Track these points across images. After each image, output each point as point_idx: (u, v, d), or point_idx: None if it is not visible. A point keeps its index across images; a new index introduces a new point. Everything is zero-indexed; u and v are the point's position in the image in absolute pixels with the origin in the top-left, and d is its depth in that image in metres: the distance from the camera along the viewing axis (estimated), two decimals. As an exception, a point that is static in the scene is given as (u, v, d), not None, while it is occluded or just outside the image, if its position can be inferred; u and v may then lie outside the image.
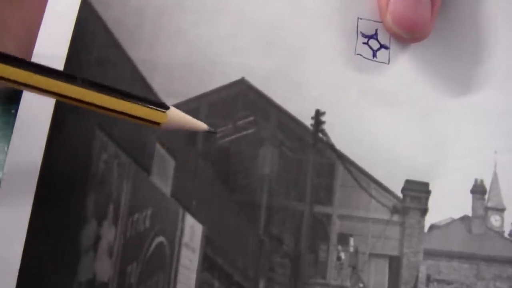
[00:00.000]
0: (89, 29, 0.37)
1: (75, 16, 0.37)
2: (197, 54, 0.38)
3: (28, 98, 0.35)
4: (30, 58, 0.35)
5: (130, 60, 0.37)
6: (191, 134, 0.36)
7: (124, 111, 0.31)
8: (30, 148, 0.34)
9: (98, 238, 0.34)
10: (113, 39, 0.37)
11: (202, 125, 0.33)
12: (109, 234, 0.34)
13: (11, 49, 0.37)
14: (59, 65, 0.36)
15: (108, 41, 0.37)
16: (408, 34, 0.38)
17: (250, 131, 0.37)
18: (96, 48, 0.37)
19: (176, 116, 0.32)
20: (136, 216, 0.35)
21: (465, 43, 0.41)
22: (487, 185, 0.38)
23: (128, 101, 0.31)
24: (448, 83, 0.40)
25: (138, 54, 0.37)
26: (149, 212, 0.35)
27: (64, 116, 0.35)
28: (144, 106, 0.31)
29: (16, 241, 0.33)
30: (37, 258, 0.33)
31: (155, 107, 0.31)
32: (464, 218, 0.38)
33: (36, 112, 0.35)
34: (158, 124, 0.32)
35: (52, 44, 0.36)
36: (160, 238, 0.35)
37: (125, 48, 0.37)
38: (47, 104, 0.35)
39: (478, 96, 0.40)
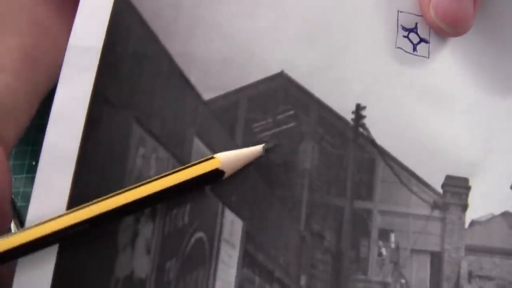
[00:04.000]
0: (124, 21, 0.35)
1: (110, 8, 0.35)
2: (235, 47, 0.35)
3: (63, 93, 0.33)
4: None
5: (167, 54, 0.35)
6: (231, 129, 0.35)
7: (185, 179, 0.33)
8: (65, 144, 0.32)
9: (135, 234, 0.32)
10: (150, 32, 0.35)
11: (257, 149, 0.34)
12: (146, 230, 0.32)
13: None
14: (95, 58, 0.34)
15: (144, 34, 0.35)
16: (451, 27, 0.36)
17: (290, 125, 0.35)
18: (132, 41, 0.35)
19: (228, 155, 0.33)
20: (174, 211, 0.33)
21: (507, 39, 0.39)
22: (528, 180, 0.37)
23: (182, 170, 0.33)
24: (489, 78, 0.38)
25: (175, 47, 0.35)
26: (187, 208, 0.33)
27: (100, 111, 0.33)
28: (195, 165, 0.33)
29: (53, 238, 0.32)
30: (73, 255, 0.31)
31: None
32: (505, 214, 0.36)
33: (71, 106, 0.33)
34: (221, 172, 0.33)
35: (87, 37, 0.34)
36: (200, 234, 0.33)
37: (162, 41, 0.35)
38: (82, 98, 0.33)
39: None
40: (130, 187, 0.32)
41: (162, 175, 0.32)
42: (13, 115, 0.35)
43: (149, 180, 0.32)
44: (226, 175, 0.33)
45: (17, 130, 0.36)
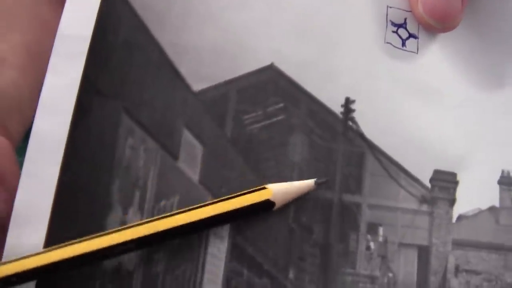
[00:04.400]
0: (115, 10, 0.34)
1: None
2: (227, 38, 0.35)
3: (52, 82, 0.33)
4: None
5: (158, 44, 0.35)
6: (220, 121, 0.35)
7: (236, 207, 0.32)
8: (53, 133, 0.32)
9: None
10: (140, 21, 0.35)
11: (309, 183, 0.34)
12: (134, 221, 0.32)
13: None
14: (84, 46, 0.33)
15: (135, 24, 0.34)
16: (439, 23, 0.36)
17: (280, 118, 0.35)
18: (122, 30, 0.34)
19: (280, 186, 0.33)
20: (163, 203, 0.33)
21: (496, 35, 0.39)
22: (514, 176, 0.37)
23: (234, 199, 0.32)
24: (478, 74, 0.38)
25: (166, 37, 0.35)
26: (176, 199, 0.33)
27: (89, 100, 0.33)
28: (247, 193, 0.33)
29: (39, 228, 0.31)
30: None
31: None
32: (491, 209, 0.36)
33: (60, 95, 0.33)
34: (272, 203, 0.33)
35: (76, 25, 0.34)
36: (188, 226, 0.33)
37: (152, 31, 0.34)
38: (71, 87, 0.33)
39: (507, 88, 0.39)
40: (181, 210, 0.32)
41: (208, 202, 0.32)
42: (19, 110, 0.35)
43: (191, 207, 0.32)
44: (276, 207, 0.33)
45: (23, 126, 0.36)
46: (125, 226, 0.31)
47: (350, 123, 0.36)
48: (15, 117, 0.35)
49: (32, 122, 0.35)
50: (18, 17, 0.38)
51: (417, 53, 0.38)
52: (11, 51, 0.37)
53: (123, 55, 0.34)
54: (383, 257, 0.35)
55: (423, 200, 0.36)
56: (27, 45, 0.37)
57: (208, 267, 0.33)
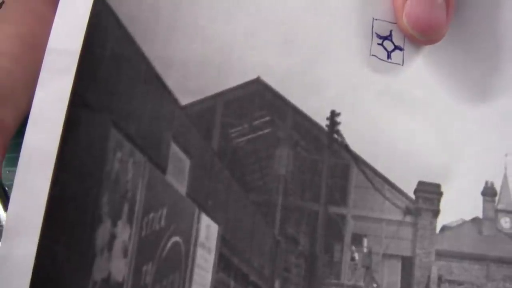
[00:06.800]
0: (103, 24, 0.36)
1: (89, 10, 0.36)
2: (213, 51, 0.36)
3: (42, 96, 0.34)
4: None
5: (145, 57, 0.36)
6: (207, 134, 0.36)
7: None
8: (43, 146, 0.33)
9: (112, 238, 0.33)
10: (127, 34, 0.36)
11: None
12: (124, 233, 0.33)
13: None
14: (73, 60, 0.34)
15: (123, 37, 0.36)
16: (423, 36, 0.37)
17: (266, 131, 0.36)
18: (110, 44, 0.36)
19: None
20: (151, 215, 0.34)
21: (481, 48, 0.40)
22: (497, 187, 0.38)
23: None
24: (462, 87, 0.39)
25: (153, 50, 0.36)
26: (164, 212, 0.34)
27: (78, 114, 0.34)
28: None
29: (30, 240, 0.32)
30: (51, 258, 0.32)
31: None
32: (475, 220, 0.38)
33: (49, 109, 0.34)
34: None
35: (65, 39, 0.35)
36: (176, 238, 0.34)
37: (139, 44, 0.36)
38: (61, 102, 0.34)
39: (490, 99, 0.40)
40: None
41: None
42: (12, 99, 0.36)
43: None
44: None
45: (16, 116, 0.37)
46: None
47: (335, 135, 0.37)
48: (7, 106, 0.36)
49: (26, 114, 0.37)
50: (13, 9, 0.39)
51: (402, 65, 0.39)
52: (5, 41, 0.37)
53: (111, 68, 0.35)
54: (367, 268, 0.36)
55: (407, 211, 0.37)
56: (21, 36, 0.38)
57: (195, 278, 0.34)
